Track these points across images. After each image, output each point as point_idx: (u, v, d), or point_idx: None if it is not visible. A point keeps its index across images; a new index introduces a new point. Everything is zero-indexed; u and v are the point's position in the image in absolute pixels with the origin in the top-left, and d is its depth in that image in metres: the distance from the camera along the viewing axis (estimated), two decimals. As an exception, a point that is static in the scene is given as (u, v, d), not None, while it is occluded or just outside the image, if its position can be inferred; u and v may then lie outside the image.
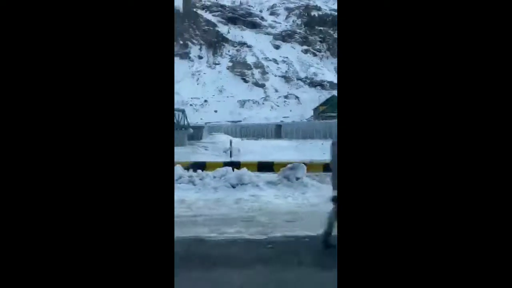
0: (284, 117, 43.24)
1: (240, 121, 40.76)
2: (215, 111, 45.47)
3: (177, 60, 57.66)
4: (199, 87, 52.36)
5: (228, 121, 39.65)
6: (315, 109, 42.12)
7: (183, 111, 18.76)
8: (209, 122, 37.70)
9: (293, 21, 73.30)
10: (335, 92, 53.20)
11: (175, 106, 23.53)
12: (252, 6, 72.10)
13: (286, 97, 50.76)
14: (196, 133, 20.74)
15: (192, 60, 58.25)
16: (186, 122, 18.58)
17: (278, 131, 30.58)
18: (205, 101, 48.39)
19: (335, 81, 55.87)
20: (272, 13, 75.93)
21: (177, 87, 51.73)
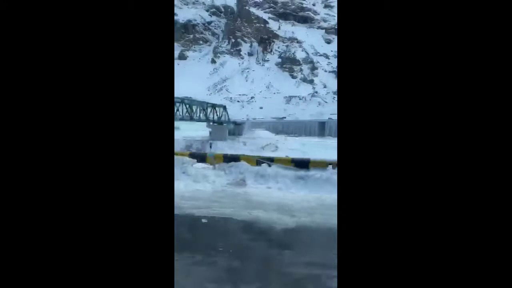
0: (332, 114, 41.81)
1: (284, 117, 40.67)
2: (261, 108, 46.06)
3: (228, 57, 59.73)
4: (247, 83, 53.54)
5: (273, 118, 39.92)
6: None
7: (224, 107, 19.73)
8: (255, 118, 38.49)
9: (348, 13, 69.76)
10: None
11: (220, 103, 24.61)
12: (304, 0, 70.66)
13: (335, 93, 48.91)
14: (238, 129, 21.58)
15: (242, 58, 59.69)
16: (227, 118, 19.48)
17: (321, 128, 29.79)
18: (252, 97, 49.33)
19: (391, 75, 51.74)
20: (326, 6, 73.34)
21: (226, 84, 53.69)
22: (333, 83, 51.15)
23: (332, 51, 57.79)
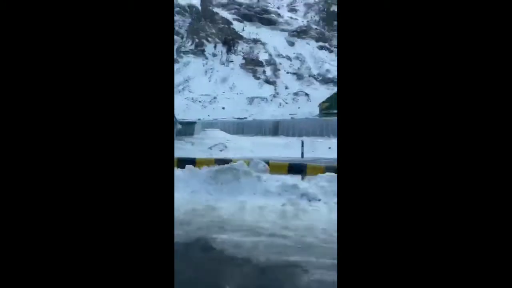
0: (291, 114, 42.99)
1: (246, 117, 41.23)
2: (223, 108, 46.27)
3: (191, 58, 59.29)
4: (210, 84, 53.48)
5: (235, 118, 40.28)
6: (320, 106, 41.44)
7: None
8: (216, 119, 38.56)
9: (311, 17, 72.05)
10: (346, 89, 51.57)
11: (181, 103, 24.28)
12: (269, 3, 71.92)
13: (296, 94, 50.31)
14: (188, 129, 21.52)
15: (207, 58, 59.56)
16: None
17: (275, 128, 30.61)
18: (214, 98, 49.38)
19: (348, 78, 54.10)
20: (291, 10, 75.11)
21: (188, 84, 53.24)
22: (294, 85, 52.61)
23: (294, 53, 59.40)
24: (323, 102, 41.28)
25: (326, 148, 17.12)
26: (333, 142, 26.29)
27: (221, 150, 16.14)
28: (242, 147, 16.09)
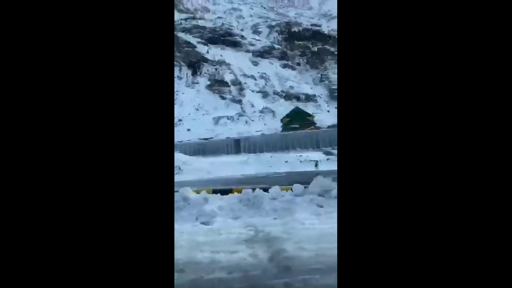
0: (257, 131, 43.43)
1: (211, 137, 41.09)
2: (188, 130, 45.98)
3: (156, 81, 59.07)
4: (176, 107, 53.22)
5: (200, 139, 40.03)
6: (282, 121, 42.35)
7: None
8: (180, 141, 38.13)
9: (274, 37, 74.93)
10: (309, 104, 53.27)
11: None
12: (233, 26, 74.26)
13: (261, 111, 51.15)
14: None
15: (172, 81, 59.61)
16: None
17: (237, 146, 30.64)
18: (180, 120, 49.08)
19: (310, 92, 56.02)
20: (254, 32, 77.85)
21: (152, 108, 52.63)
22: (259, 102, 53.59)
23: (258, 72, 60.97)
24: (285, 117, 42.19)
25: (283, 163, 17.28)
26: (291, 156, 26.66)
27: (176, 173, 15.82)
28: (199, 169, 15.82)
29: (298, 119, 40.26)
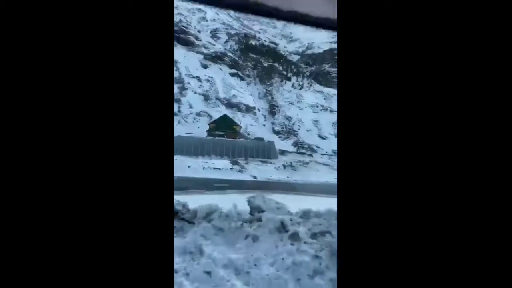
0: (187, 133, 42.24)
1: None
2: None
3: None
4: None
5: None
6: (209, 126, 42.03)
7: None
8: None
9: (230, 45, 75.35)
10: (248, 115, 53.74)
11: None
12: (190, 25, 73.12)
13: (198, 114, 50.17)
14: None
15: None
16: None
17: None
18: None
19: (252, 105, 56.72)
20: (213, 36, 77.52)
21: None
22: (199, 105, 52.64)
23: (205, 75, 60.28)
24: (212, 122, 41.85)
25: (186, 167, 16.69)
26: (197, 161, 26.23)
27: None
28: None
29: (223, 126, 40.12)
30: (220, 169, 23.75)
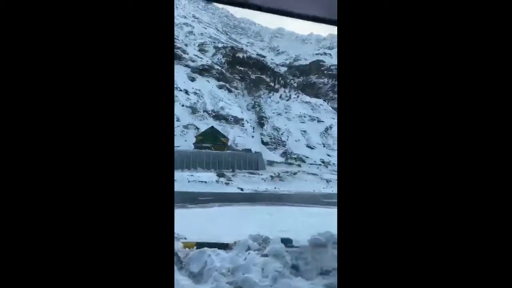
0: (175, 146, 41.71)
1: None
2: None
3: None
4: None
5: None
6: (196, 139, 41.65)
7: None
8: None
9: (217, 58, 75.92)
10: (236, 126, 53.61)
11: None
12: (177, 38, 73.57)
13: (185, 126, 49.77)
14: None
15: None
16: None
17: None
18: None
19: (240, 116, 56.69)
20: (200, 50, 78.07)
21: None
22: (187, 118, 52.33)
23: (193, 88, 60.24)
24: (198, 135, 41.52)
25: None
26: (182, 174, 25.68)
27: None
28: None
29: (211, 139, 39.83)
30: (205, 182, 23.27)
